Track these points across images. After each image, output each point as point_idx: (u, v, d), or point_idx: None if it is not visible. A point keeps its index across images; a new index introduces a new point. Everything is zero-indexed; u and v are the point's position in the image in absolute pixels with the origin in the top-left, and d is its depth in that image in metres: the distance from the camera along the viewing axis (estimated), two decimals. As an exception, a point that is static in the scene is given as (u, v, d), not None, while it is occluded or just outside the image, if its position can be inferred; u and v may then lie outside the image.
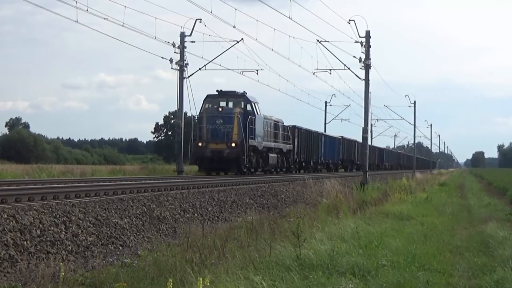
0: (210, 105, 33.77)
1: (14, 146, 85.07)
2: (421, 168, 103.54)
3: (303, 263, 9.37)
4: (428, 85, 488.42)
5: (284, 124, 40.77)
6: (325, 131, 63.70)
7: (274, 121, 38.23)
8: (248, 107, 33.74)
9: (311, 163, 48.83)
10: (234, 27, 31.50)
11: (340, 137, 59.93)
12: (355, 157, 65.03)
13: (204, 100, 34.32)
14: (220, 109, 32.99)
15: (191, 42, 36.37)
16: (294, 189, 28.52)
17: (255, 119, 33.52)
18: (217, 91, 34.56)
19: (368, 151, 35.25)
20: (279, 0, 37.25)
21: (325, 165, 54.58)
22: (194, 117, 35.59)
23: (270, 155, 36.26)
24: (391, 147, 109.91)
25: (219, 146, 32.29)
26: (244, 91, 34.44)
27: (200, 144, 32.56)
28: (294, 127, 42.89)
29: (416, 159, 79.86)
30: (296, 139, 42.99)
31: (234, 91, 34.52)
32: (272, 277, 8.31)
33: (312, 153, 48.24)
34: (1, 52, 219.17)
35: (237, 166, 32.54)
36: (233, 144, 31.93)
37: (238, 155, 31.86)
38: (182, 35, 36.17)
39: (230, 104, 34.06)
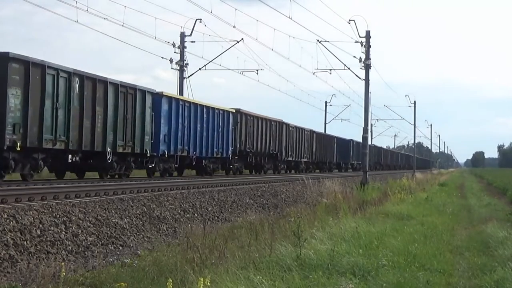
0: None
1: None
2: (419, 168, 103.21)
3: (303, 263, 9.36)
4: (428, 85, 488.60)
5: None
6: (325, 131, 63.71)
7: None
8: None
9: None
10: (234, 27, 31.61)
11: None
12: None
13: None
14: None
15: (191, 42, 36.48)
16: (294, 189, 28.53)
17: None
18: None
19: (368, 151, 35.23)
20: (279, 0, 37.22)
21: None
22: None
23: None
24: (391, 147, 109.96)
25: None
26: None
27: None
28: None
29: (414, 158, 79.76)
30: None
31: None
32: (273, 277, 8.31)
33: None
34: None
35: None
36: None
37: None
38: (182, 35, 36.21)
39: None
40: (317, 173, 46.67)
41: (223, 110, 32.75)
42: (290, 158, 44.85)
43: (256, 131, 37.36)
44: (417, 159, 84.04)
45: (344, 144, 63.08)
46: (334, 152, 58.92)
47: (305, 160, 49.36)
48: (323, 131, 62.93)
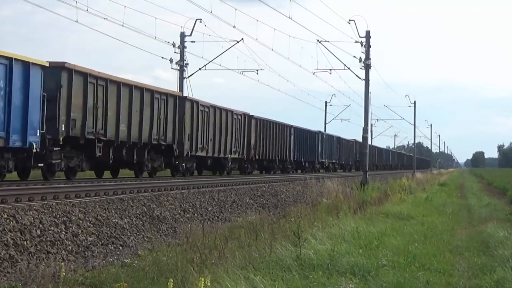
0: None
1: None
2: (417, 168, 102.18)
3: (303, 263, 9.36)
4: (428, 85, 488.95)
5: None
6: (325, 130, 63.60)
7: None
8: None
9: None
10: (234, 27, 31.57)
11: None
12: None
13: None
14: None
15: (191, 42, 36.46)
16: (294, 189, 28.53)
17: None
18: None
19: (368, 151, 35.23)
20: (279, 0, 37.23)
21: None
22: None
23: None
24: (391, 147, 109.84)
25: None
26: None
27: None
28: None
29: (412, 158, 79.36)
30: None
31: None
32: (272, 277, 8.31)
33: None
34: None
35: None
36: None
37: None
38: (182, 35, 36.20)
39: None
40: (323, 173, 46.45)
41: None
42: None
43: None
44: (412, 158, 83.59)
45: (307, 136, 48.86)
46: (289, 147, 44.13)
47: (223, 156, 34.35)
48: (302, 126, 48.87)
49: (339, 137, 60.51)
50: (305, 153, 47.95)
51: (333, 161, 57.59)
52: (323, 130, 58.98)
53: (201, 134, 29.74)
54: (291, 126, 44.69)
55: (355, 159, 64.34)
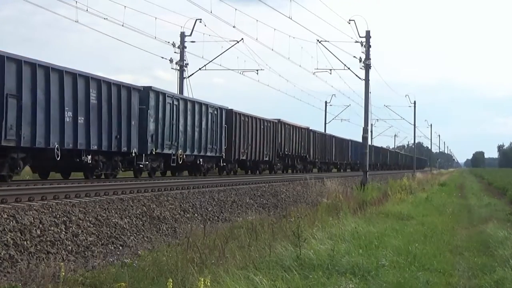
0: None
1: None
2: (409, 168, 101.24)
3: (303, 263, 9.37)
4: (428, 85, 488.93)
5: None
6: (325, 131, 63.57)
7: None
8: None
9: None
10: (234, 27, 31.61)
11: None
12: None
13: None
14: None
15: (191, 42, 36.48)
16: (294, 189, 28.53)
17: None
18: None
19: (368, 151, 35.22)
20: (279, 0, 37.23)
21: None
22: None
23: None
24: (391, 147, 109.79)
25: None
26: None
27: None
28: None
29: (410, 158, 79.18)
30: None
31: None
32: (272, 277, 8.31)
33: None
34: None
35: None
36: None
37: None
38: (182, 35, 36.20)
39: None
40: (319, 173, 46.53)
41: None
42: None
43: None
44: (410, 158, 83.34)
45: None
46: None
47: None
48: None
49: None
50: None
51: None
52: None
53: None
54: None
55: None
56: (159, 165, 26.28)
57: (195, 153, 28.99)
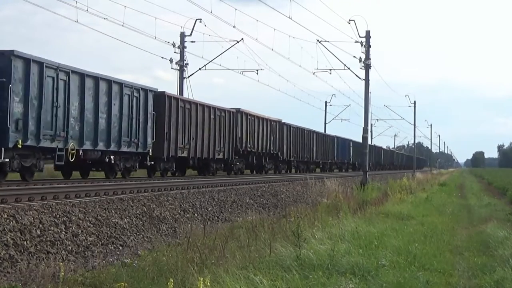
0: None
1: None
2: (409, 168, 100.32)
3: (303, 263, 9.36)
4: (428, 85, 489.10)
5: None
6: (325, 131, 63.58)
7: None
8: None
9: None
10: (234, 27, 31.62)
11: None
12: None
13: None
14: None
15: (191, 42, 36.50)
16: (294, 189, 28.54)
17: None
18: None
19: (368, 151, 35.21)
20: (279, 0, 37.23)
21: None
22: None
23: None
24: (391, 147, 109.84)
25: None
26: None
27: None
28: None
29: (410, 158, 79.12)
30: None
31: None
32: (272, 277, 8.30)
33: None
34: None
35: None
36: None
37: None
38: (182, 35, 36.22)
39: None
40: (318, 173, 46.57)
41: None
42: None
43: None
44: (409, 158, 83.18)
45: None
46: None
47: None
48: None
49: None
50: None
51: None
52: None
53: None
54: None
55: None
56: (35, 164, 18.84)
57: (101, 147, 21.81)
